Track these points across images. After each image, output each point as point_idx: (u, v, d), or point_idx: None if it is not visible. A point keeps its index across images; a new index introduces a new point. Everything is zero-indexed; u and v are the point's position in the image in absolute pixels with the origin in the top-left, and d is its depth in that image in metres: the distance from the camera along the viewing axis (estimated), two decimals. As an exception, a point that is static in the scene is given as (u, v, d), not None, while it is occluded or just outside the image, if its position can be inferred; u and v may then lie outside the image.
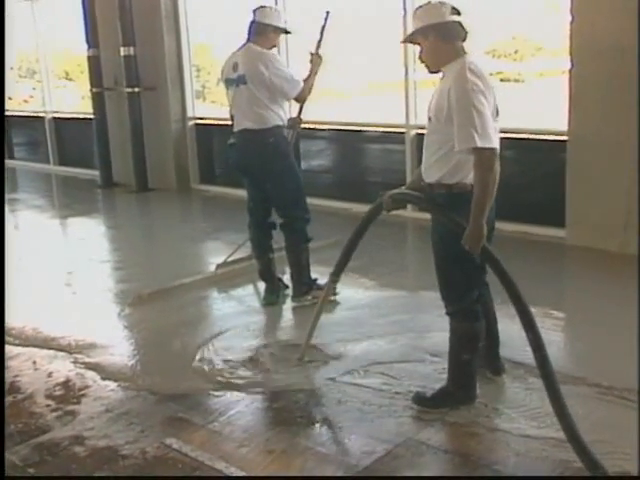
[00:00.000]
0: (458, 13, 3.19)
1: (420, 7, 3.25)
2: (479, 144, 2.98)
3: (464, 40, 3.21)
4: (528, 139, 6.39)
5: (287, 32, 5.01)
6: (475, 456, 3.11)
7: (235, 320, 4.79)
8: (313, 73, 4.91)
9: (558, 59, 5.98)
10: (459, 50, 3.18)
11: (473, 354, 3.41)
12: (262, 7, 4.85)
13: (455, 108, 3.04)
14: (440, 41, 3.17)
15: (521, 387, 3.64)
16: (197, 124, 9.33)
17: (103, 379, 4.00)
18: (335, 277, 3.99)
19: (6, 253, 5.65)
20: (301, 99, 4.91)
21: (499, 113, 3.21)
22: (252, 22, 4.79)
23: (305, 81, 4.84)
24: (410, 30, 3.33)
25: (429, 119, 3.26)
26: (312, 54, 4.94)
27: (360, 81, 9.03)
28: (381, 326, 4.52)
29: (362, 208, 7.45)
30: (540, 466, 3.03)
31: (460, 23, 3.19)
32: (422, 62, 3.30)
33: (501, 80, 7.89)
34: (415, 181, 3.49)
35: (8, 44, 10.65)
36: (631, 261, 5.40)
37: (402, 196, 3.47)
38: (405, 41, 3.40)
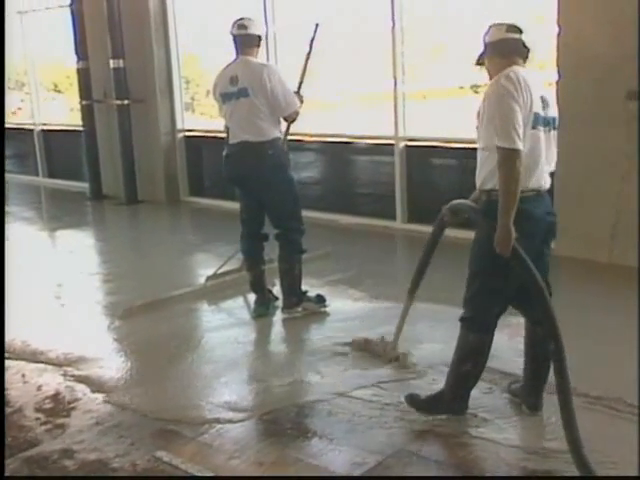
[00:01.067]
0: (519, 32, 3.28)
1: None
2: (497, 143, 3.07)
3: (525, 57, 3.30)
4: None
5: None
6: (465, 466, 3.12)
7: (225, 332, 4.79)
8: (299, 107, 4.94)
9: (545, 71, 6.01)
10: (511, 63, 3.24)
11: (474, 367, 3.39)
12: (249, 19, 4.83)
13: (486, 109, 3.17)
14: (496, 57, 3.29)
15: (510, 398, 3.65)
16: (186, 136, 9.34)
17: (93, 392, 3.98)
18: (412, 294, 3.96)
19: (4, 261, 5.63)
20: (289, 120, 4.96)
21: (553, 123, 3.28)
22: (243, 35, 4.78)
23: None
24: None
25: (477, 127, 3.33)
26: (295, 93, 4.96)
27: (349, 93, 9.06)
28: (370, 337, 4.52)
29: (351, 220, 7.54)
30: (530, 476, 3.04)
31: (520, 41, 3.28)
32: (490, 80, 3.38)
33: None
34: (476, 192, 3.50)
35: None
36: (619, 271, 5.45)
37: (459, 206, 3.47)
38: (478, 63, 3.45)
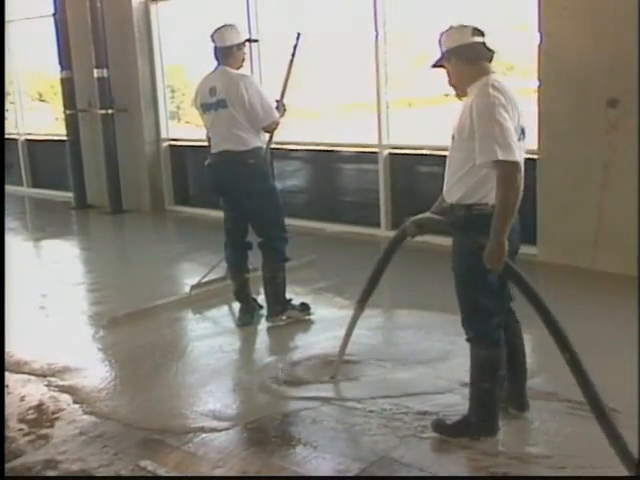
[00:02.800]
0: (482, 34, 3.17)
1: (443, 32, 3.23)
2: (500, 157, 2.93)
3: (490, 60, 3.19)
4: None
5: (254, 41, 5.02)
6: (449, 473, 3.12)
7: (210, 341, 4.79)
8: (278, 117, 4.95)
9: (529, 78, 6.07)
10: (484, 70, 3.15)
11: (494, 383, 3.30)
12: (218, 30, 4.80)
13: (477, 122, 3.01)
14: (463, 63, 3.16)
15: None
16: (171, 145, 9.34)
17: (77, 402, 3.97)
18: (361, 304, 3.90)
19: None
20: (268, 130, 4.96)
21: (525, 133, 3.17)
22: (219, 47, 4.78)
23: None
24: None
25: (452, 137, 3.21)
26: (277, 101, 5.01)
27: (333, 101, 9.09)
28: (355, 345, 4.53)
29: (336, 228, 7.56)
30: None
31: (484, 44, 3.17)
32: (451, 86, 3.28)
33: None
34: (439, 204, 3.44)
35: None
36: (601, 277, 5.49)
37: (425, 221, 3.39)
38: (434, 66, 3.30)
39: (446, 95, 8.25)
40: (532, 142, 5.97)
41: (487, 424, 3.35)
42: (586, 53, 5.57)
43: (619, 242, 5.58)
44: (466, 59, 3.15)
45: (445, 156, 7.49)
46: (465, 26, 3.18)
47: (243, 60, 4.93)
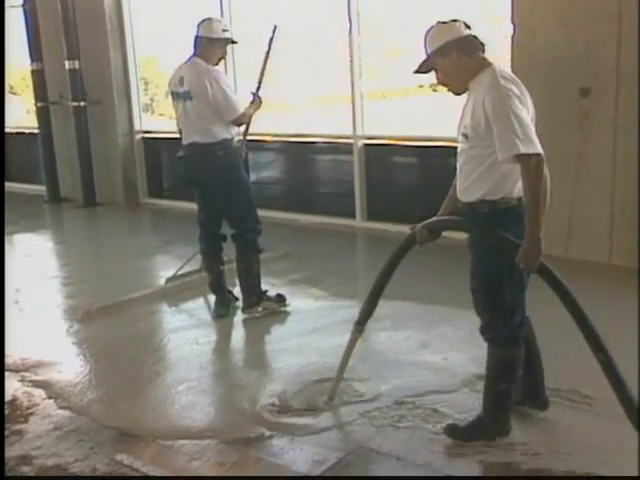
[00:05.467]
0: (469, 28, 3.06)
1: (430, 29, 3.08)
2: (522, 150, 2.81)
3: (484, 52, 3.06)
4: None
5: (232, 42, 5.01)
6: (425, 461, 3.13)
7: (185, 333, 4.77)
8: (253, 109, 4.95)
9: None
10: (484, 62, 3.03)
11: (510, 384, 3.20)
12: (202, 20, 4.82)
13: (492, 117, 2.88)
14: (465, 55, 3.02)
15: (470, 394, 3.67)
16: (145, 137, 9.28)
17: (51, 397, 3.94)
18: (360, 326, 3.57)
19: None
20: (237, 124, 4.91)
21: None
22: (195, 36, 4.80)
23: (244, 112, 4.86)
24: (418, 59, 3.13)
25: (464, 136, 3.06)
26: (253, 94, 4.99)
27: (308, 93, 9.08)
28: (330, 336, 4.54)
29: (311, 219, 7.56)
30: (489, 470, 3.07)
31: (475, 36, 3.05)
32: (444, 85, 3.14)
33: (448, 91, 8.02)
34: (447, 206, 3.29)
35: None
36: (573, 264, 5.52)
37: (439, 224, 3.25)
38: (421, 69, 3.12)
39: (420, 86, 8.30)
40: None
41: (500, 425, 3.26)
42: (559, 43, 5.60)
43: (591, 230, 5.64)
44: (467, 51, 3.02)
45: (419, 146, 7.50)
46: (455, 20, 3.07)
47: (220, 59, 4.90)
